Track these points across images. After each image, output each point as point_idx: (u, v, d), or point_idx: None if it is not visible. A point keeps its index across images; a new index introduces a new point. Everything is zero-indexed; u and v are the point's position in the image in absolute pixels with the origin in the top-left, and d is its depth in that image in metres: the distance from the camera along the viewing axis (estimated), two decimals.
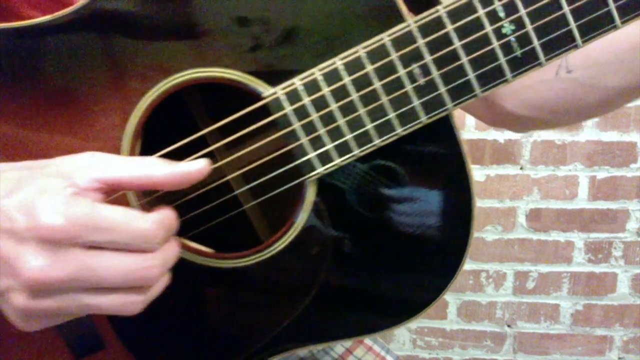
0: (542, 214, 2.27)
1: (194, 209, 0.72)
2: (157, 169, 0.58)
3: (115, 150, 0.69)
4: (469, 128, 2.20)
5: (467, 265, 2.31)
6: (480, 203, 2.25)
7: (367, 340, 1.08)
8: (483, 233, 2.30)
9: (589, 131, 2.17)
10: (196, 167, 0.60)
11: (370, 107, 0.63)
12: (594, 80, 0.78)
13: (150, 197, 0.71)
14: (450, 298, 2.40)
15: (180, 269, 0.63)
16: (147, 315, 0.61)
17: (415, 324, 2.42)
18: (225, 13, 0.65)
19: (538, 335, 2.41)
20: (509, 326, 2.40)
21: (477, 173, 2.24)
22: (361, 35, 0.63)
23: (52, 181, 0.54)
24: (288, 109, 0.64)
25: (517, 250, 2.32)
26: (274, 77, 0.65)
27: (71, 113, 0.68)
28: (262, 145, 0.68)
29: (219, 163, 0.70)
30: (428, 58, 0.61)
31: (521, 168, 2.24)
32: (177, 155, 0.66)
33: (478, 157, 2.23)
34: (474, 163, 2.22)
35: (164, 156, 0.66)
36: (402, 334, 2.45)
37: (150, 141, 0.70)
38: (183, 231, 0.73)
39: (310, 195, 0.70)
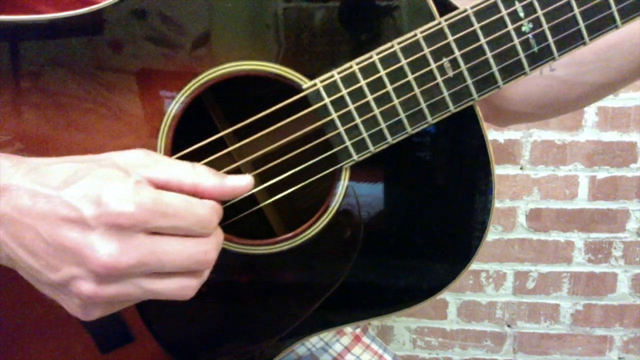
0: (542, 214, 2.28)
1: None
2: (206, 179, 0.62)
3: (148, 145, 0.72)
4: None
5: None
6: None
7: (365, 339, 1.12)
8: None
9: (589, 131, 2.18)
10: (243, 182, 0.65)
11: (404, 97, 0.71)
12: (575, 77, 0.86)
13: None
14: (450, 298, 2.40)
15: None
16: (176, 303, 0.63)
17: (415, 324, 2.43)
18: (262, 8, 0.70)
19: (538, 335, 2.40)
20: (509, 326, 2.41)
21: None
22: (395, 31, 0.70)
23: (113, 172, 0.57)
24: (327, 100, 0.71)
25: (517, 250, 2.32)
26: (310, 71, 0.71)
27: (102, 110, 0.71)
28: (284, 142, 0.74)
29: (240, 162, 0.76)
30: (457, 53, 0.70)
31: (521, 168, 2.24)
32: (195, 154, 0.72)
33: None
34: None
35: (186, 156, 0.71)
36: (402, 334, 2.45)
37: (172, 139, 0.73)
38: None
39: (344, 180, 0.76)
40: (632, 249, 2.30)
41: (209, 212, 0.62)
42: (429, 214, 0.79)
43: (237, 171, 0.75)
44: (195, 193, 0.62)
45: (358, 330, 1.13)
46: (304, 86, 0.71)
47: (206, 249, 0.61)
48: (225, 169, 0.75)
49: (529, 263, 2.35)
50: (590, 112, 2.17)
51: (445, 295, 2.39)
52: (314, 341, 1.08)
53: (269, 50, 0.71)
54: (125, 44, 0.70)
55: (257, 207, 0.82)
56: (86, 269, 0.55)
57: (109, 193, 0.55)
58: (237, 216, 0.79)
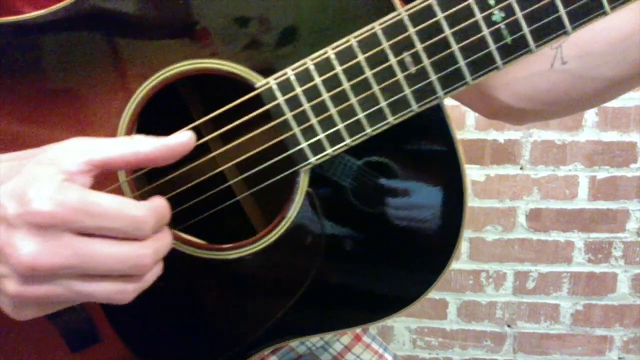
0: (542, 214, 2.27)
1: (189, 199, 0.72)
2: (143, 145, 0.58)
3: None
4: (469, 128, 2.20)
5: (467, 265, 2.35)
6: (480, 203, 2.26)
7: (366, 338, 1.08)
8: (483, 233, 2.30)
9: (589, 131, 2.17)
10: (182, 139, 0.60)
11: (362, 96, 0.63)
12: (588, 71, 0.77)
13: (145, 189, 0.71)
14: (450, 298, 2.39)
15: (174, 261, 0.63)
16: (142, 307, 0.61)
17: (415, 324, 2.42)
18: (219, 6, 0.65)
19: (538, 335, 2.40)
20: (509, 326, 2.40)
21: (477, 173, 2.24)
22: (353, 25, 0.62)
23: (43, 169, 0.54)
24: (280, 99, 0.64)
25: (517, 250, 2.31)
26: (266, 68, 0.65)
27: (67, 108, 0.68)
28: (257, 136, 0.68)
29: (213, 153, 0.70)
30: (419, 46, 0.60)
31: (521, 168, 2.23)
32: None
33: (478, 157, 2.22)
34: (474, 163, 2.22)
35: None
36: (402, 334, 2.44)
37: (146, 133, 0.69)
38: (178, 222, 0.73)
39: (304, 185, 0.69)
40: (632, 249, 2.28)
41: (144, 213, 0.57)
42: (396, 220, 0.72)
43: (215, 163, 0.71)
44: (138, 161, 0.58)
45: (358, 330, 1.09)
46: (257, 84, 0.65)
47: (141, 253, 0.57)
48: (203, 159, 0.70)
49: (529, 263, 2.34)
50: (590, 112, 2.16)
51: (445, 295, 2.40)
52: (314, 340, 1.04)
53: (225, 48, 0.66)
54: (87, 39, 0.67)
55: (233, 200, 0.77)
56: (10, 267, 0.53)
57: (33, 191, 0.52)
58: (213, 209, 0.75)
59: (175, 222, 0.72)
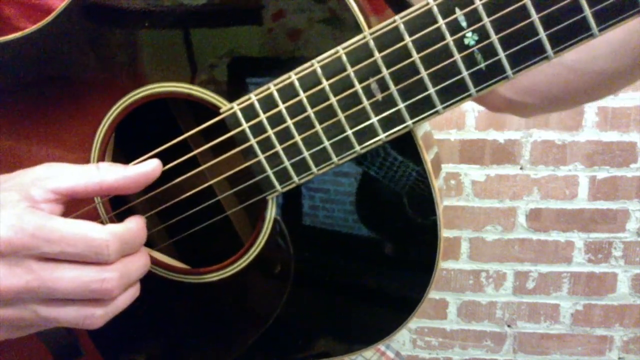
0: (542, 214, 2.24)
1: (177, 215, 0.70)
2: (108, 174, 0.58)
3: (88, 160, 0.69)
4: (469, 128, 2.17)
5: (467, 265, 2.33)
6: (480, 203, 2.23)
7: None
8: (483, 233, 2.27)
9: (589, 131, 2.14)
10: (149, 167, 0.61)
11: (327, 123, 0.59)
12: (585, 65, 0.72)
13: (124, 207, 0.70)
14: (450, 298, 2.37)
15: (152, 283, 0.64)
16: (120, 325, 0.60)
17: (415, 323, 2.40)
18: (185, 28, 0.63)
19: (538, 335, 2.37)
20: (509, 326, 2.37)
21: (477, 173, 2.21)
22: (319, 48, 0.59)
23: (8, 195, 0.55)
24: (244, 125, 0.61)
25: (517, 250, 2.28)
26: (232, 92, 0.63)
27: (47, 123, 0.69)
28: (236, 156, 0.65)
29: (200, 168, 0.67)
30: (385, 72, 0.56)
31: (521, 168, 2.20)
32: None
33: (478, 157, 2.19)
34: (474, 163, 2.19)
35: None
36: (402, 334, 2.42)
37: (134, 148, 0.69)
38: (167, 237, 0.75)
39: (271, 212, 0.67)
40: (632, 249, 2.25)
41: (106, 237, 0.56)
42: (367, 250, 0.69)
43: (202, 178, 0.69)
44: (102, 191, 0.59)
45: None
46: (222, 109, 0.62)
47: (105, 277, 0.56)
48: (188, 174, 0.68)
49: (529, 263, 2.31)
50: (590, 112, 2.13)
51: (445, 295, 2.38)
52: None
53: (192, 71, 0.64)
54: (63, 57, 0.67)
55: (222, 215, 0.73)
56: None
57: None
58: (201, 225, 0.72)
59: (162, 239, 0.73)
